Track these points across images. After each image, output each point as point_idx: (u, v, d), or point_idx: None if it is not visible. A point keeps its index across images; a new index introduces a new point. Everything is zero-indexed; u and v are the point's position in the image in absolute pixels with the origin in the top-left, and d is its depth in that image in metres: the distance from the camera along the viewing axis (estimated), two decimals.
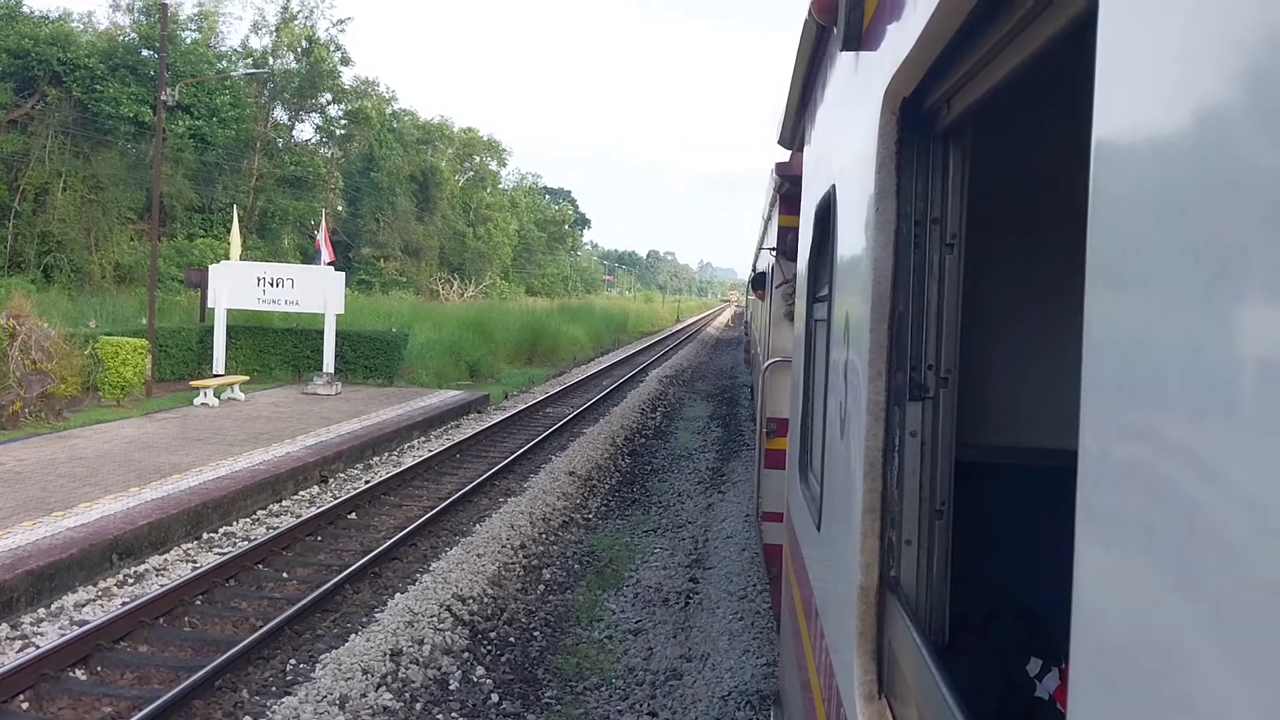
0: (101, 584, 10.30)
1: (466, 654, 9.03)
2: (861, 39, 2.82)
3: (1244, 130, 0.82)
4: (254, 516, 13.50)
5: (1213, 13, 0.87)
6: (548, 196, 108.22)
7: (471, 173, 77.18)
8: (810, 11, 3.53)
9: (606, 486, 17.01)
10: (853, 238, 2.97)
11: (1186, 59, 0.92)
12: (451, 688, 8.39)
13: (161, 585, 10.26)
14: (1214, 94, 0.87)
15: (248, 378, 24.35)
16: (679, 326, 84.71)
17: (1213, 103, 0.87)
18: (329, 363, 24.88)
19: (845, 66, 3.33)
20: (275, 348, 27.53)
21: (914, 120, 2.46)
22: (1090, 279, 1.12)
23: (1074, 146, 1.13)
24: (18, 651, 8.53)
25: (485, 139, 77.88)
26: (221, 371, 23.89)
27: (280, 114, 57.62)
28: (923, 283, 2.49)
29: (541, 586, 11.39)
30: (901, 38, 2.22)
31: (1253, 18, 0.80)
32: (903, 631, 2.34)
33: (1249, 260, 0.80)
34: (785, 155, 8.14)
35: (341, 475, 16.45)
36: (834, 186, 3.56)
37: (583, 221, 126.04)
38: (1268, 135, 0.78)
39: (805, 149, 5.60)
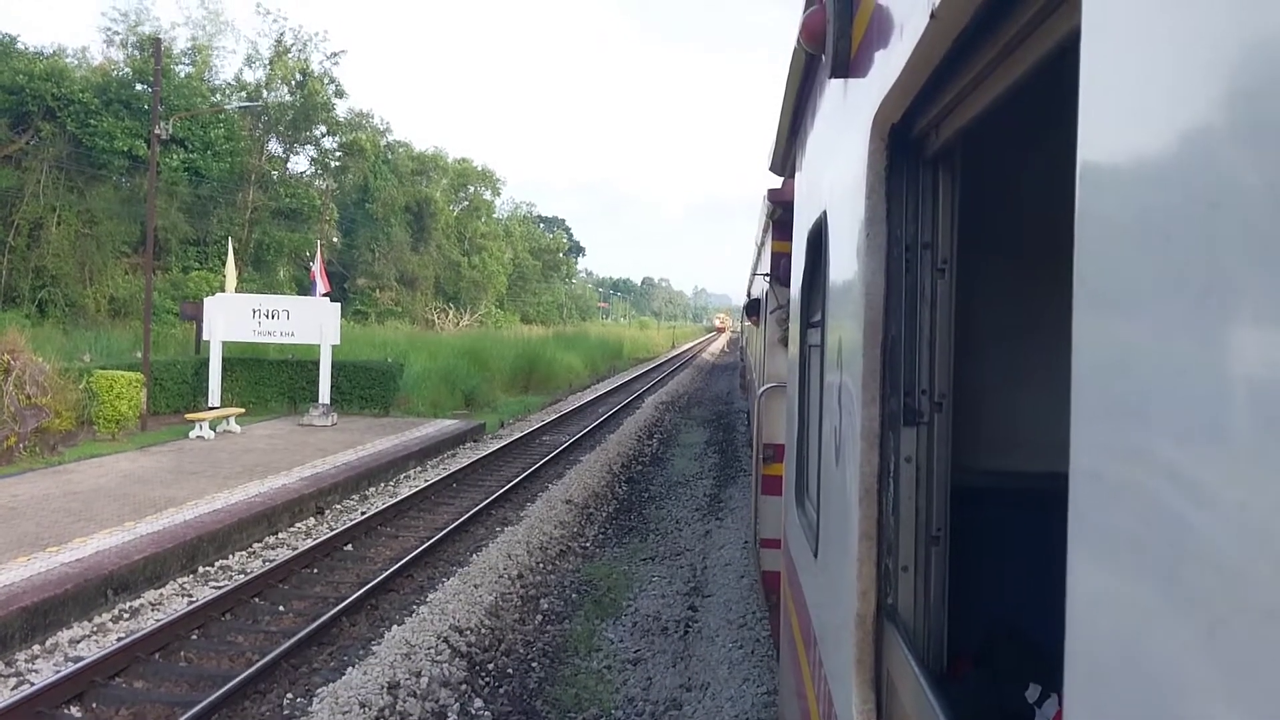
0: (97, 619, 10.23)
1: (464, 686, 8.96)
2: (849, 66, 2.83)
3: (1225, 153, 0.82)
4: (250, 549, 13.43)
5: (1194, 36, 0.87)
6: (542, 225, 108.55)
7: (466, 202, 77.42)
8: (799, 39, 3.55)
9: (604, 514, 16.96)
10: (844, 263, 2.98)
11: (1168, 82, 0.92)
12: None
13: (157, 620, 10.19)
14: (1195, 117, 0.87)
15: (243, 410, 24.30)
16: (674, 353, 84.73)
17: (1194, 125, 0.88)
18: (325, 394, 24.84)
19: (834, 94, 3.35)
20: (271, 379, 27.49)
21: (903, 146, 2.47)
22: (1077, 301, 1.12)
23: (1062, 170, 1.14)
24: (12, 689, 8.45)
25: (479, 169, 78.24)
26: (217, 404, 23.83)
27: (275, 146, 57.84)
28: (915, 307, 2.49)
29: (539, 616, 11.33)
30: (889, 65, 2.23)
31: (1234, 41, 0.80)
32: (900, 659, 2.33)
33: (1233, 282, 0.80)
34: (778, 181, 8.17)
35: (338, 507, 16.39)
36: (825, 212, 3.57)
37: (577, 249, 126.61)
38: (1248, 157, 0.78)
39: (797, 175, 5.63)
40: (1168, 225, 0.91)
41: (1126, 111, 1.01)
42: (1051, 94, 1.95)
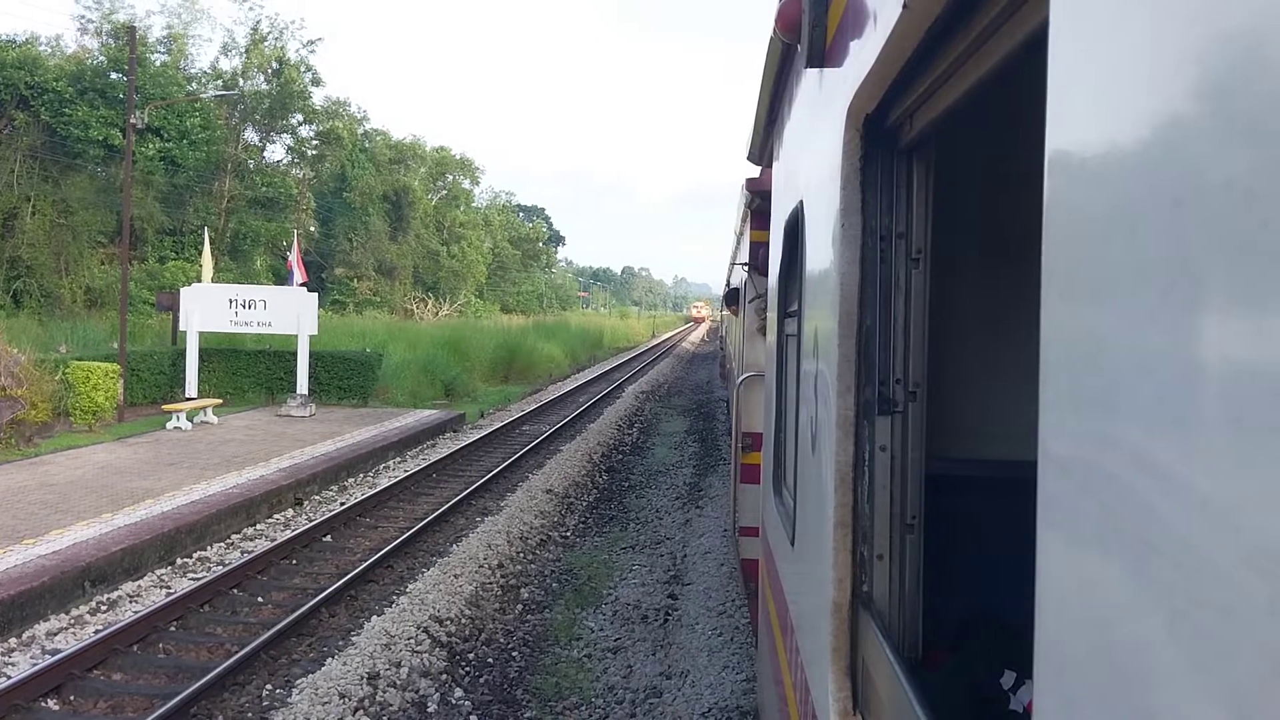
0: (74, 612, 10.17)
1: (445, 676, 8.97)
2: (825, 56, 2.84)
3: (1190, 146, 0.83)
4: (228, 541, 13.37)
5: (1159, 31, 0.88)
6: (521, 214, 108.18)
7: (444, 191, 76.96)
8: (775, 29, 3.55)
9: (584, 504, 16.96)
10: (820, 253, 2.99)
11: (1134, 77, 0.93)
12: (430, 710, 8.33)
13: (135, 612, 10.14)
14: (1160, 111, 0.88)
15: (220, 401, 24.15)
16: (654, 342, 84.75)
17: (1159, 119, 0.88)
18: (303, 384, 24.71)
19: (810, 83, 3.35)
20: (248, 370, 27.31)
21: (877, 136, 2.47)
22: (1045, 292, 1.13)
23: (1035, 161, 1.14)
24: None
25: (458, 157, 77.72)
26: (194, 395, 23.62)
27: (251, 135, 57.25)
28: (889, 297, 2.50)
29: (520, 606, 11.33)
30: (863, 55, 2.24)
31: (1199, 36, 0.81)
32: (875, 647, 2.34)
33: (1197, 275, 0.81)
34: (756, 171, 8.18)
35: (316, 498, 16.33)
36: (801, 202, 3.58)
37: (557, 238, 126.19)
38: (1213, 150, 0.79)
39: (774, 165, 5.63)
40: (1134, 218, 0.92)
41: (1093, 105, 1.02)
42: (1023, 87, 1.96)
